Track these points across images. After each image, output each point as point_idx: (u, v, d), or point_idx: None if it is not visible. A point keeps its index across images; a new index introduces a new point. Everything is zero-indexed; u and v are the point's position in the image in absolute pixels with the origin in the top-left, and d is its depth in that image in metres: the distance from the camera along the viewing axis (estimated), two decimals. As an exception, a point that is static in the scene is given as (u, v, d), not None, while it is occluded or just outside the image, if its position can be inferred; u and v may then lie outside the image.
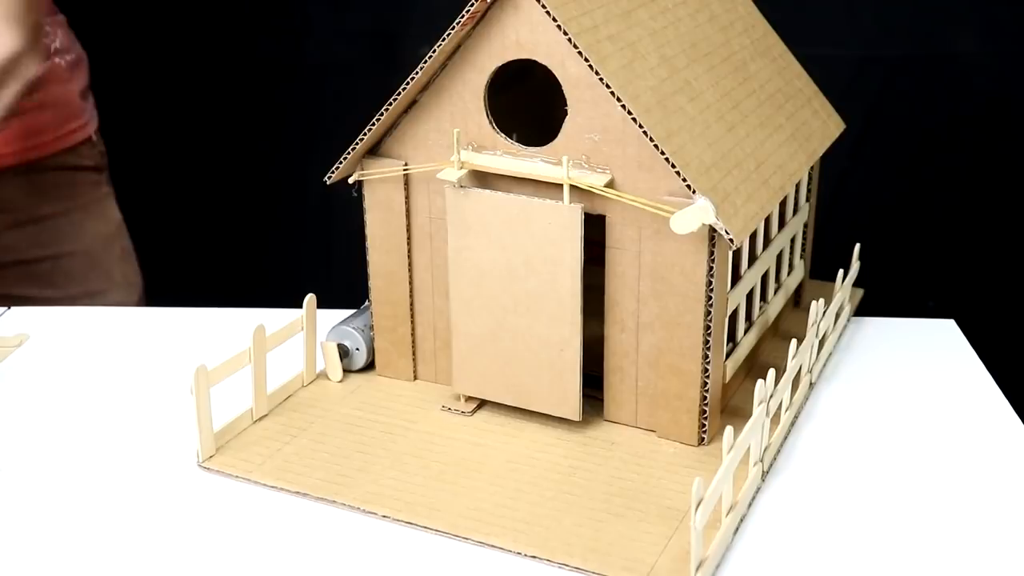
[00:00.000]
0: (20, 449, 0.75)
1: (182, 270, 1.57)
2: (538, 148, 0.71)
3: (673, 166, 0.66)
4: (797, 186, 0.86)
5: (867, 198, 1.44)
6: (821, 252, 0.93)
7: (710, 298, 0.69)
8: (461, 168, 0.72)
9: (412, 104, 0.74)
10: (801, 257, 0.90)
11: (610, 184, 0.69)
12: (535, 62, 0.69)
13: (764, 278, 0.81)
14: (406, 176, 0.76)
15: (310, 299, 0.80)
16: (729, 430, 0.64)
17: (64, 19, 1.17)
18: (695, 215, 0.66)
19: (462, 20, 0.69)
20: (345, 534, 0.66)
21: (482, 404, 0.78)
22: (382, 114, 0.73)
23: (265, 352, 0.76)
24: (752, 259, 0.77)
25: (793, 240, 0.87)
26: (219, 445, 0.73)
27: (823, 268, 0.92)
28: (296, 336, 0.80)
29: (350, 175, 0.77)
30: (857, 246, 0.92)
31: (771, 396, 0.69)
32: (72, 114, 1.16)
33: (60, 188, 1.16)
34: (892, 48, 1.40)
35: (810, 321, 0.78)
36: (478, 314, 0.74)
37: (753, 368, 0.82)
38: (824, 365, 0.84)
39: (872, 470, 0.72)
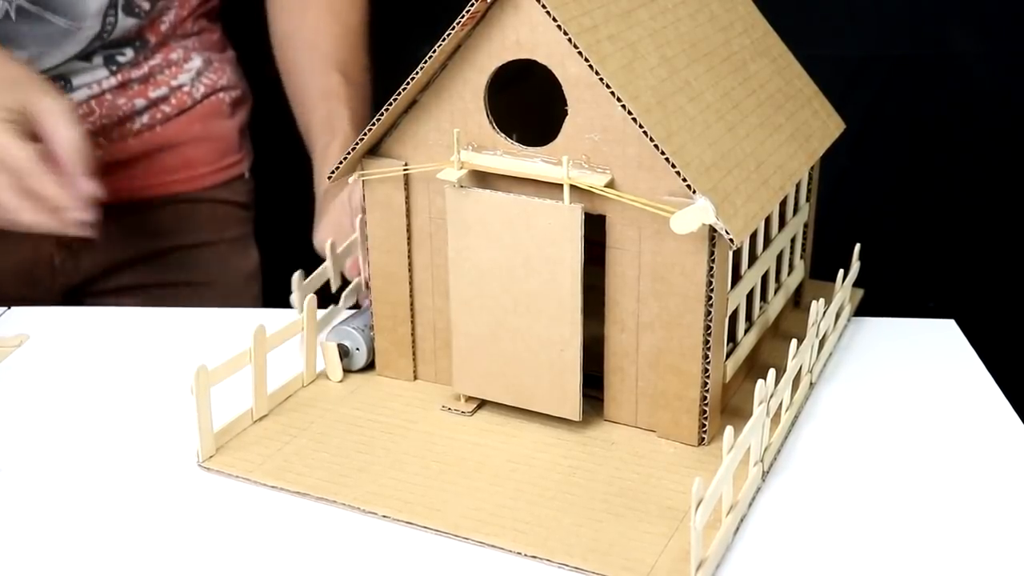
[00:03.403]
0: (20, 449, 0.75)
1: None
2: (538, 148, 0.71)
3: (673, 166, 0.66)
4: (797, 186, 0.86)
5: (867, 198, 1.44)
6: (821, 252, 0.93)
7: (710, 298, 0.69)
8: (461, 168, 0.72)
9: (412, 104, 0.74)
10: (801, 257, 0.90)
11: (610, 184, 0.69)
12: (535, 62, 0.69)
13: (764, 278, 0.81)
14: (406, 176, 0.76)
15: (310, 299, 0.80)
16: (729, 430, 0.64)
17: (233, 56, 1.20)
18: (695, 215, 0.66)
19: (462, 20, 0.69)
20: (345, 534, 0.66)
21: (482, 404, 0.78)
22: (382, 114, 0.73)
23: (265, 352, 0.76)
24: (752, 259, 0.77)
25: (793, 240, 0.87)
26: (219, 445, 0.73)
27: (823, 268, 0.92)
28: (296, 336, 0.80)
29: (350, 175, 0.77)
30: (857, 246, 0.92)
31: (771, 396, 0.69)
32: (229, 149, 1.18)
33: (211, 220, 1.18)
34: (892, 48, 1.40)
35: (810, 321, 0.78)
36: (478, 314, 0.74)
37: (753, 368, 0.82)
38: (824, 365, 0.84)
39: (872, 470, 0.72)
